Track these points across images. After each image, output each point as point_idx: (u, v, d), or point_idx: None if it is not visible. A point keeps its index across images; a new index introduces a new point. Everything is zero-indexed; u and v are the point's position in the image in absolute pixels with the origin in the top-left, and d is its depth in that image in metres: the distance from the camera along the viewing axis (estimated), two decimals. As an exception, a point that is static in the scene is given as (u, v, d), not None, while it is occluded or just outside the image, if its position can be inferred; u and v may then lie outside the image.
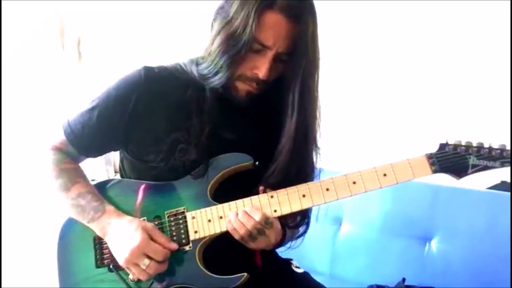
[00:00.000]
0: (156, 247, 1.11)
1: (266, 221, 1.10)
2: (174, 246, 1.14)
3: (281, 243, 1.23)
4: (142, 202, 1.21)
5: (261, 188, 1.17)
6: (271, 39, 1.09)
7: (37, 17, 2.42)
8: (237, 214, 1.12)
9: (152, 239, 1.12)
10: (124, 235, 1.13)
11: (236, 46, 1.10)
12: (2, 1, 2.24)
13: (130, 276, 1.16)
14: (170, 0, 2.57)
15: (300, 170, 1.19)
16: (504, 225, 1.72)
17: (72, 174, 1.24)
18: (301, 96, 1.14)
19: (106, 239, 1.18)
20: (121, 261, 1.13)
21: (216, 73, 1.14)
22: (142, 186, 1.23)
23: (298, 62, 1.12)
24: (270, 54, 1.11)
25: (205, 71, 1.17)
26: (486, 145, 1.07)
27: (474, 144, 1.08)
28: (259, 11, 1.07)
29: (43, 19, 2.45)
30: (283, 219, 1.18)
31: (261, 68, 1.12)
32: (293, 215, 1.18)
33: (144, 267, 1.10)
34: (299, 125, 1.15)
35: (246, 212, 1.11)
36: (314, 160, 1.24)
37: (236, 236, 1.12)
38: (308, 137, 1.19)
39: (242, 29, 1.08)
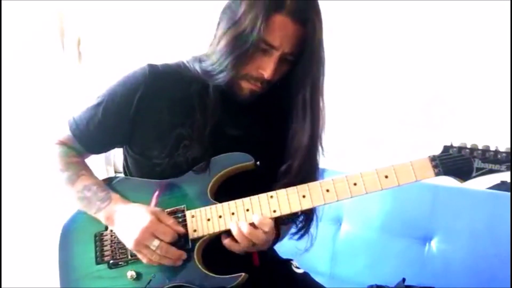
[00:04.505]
0: (165, 227, 1.12)
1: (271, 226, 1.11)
2: (181, 229, 1.14)
3: (275, 241, 1.24)
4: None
5: None
6: (278, 40, 1.11)
7: (37, 17, 2.42)
8: (239, 230, 1.10)
9: (160, 221, 1.13)
10: (133, 219, 1.13)
11: (243, 47, 1.11)
12: (2, 1, 2.24)
13: (128, 274, 1.17)
14: (170, 0, 2.57)
15: (312, 170, 1.21)
16: (504, 225, 1.72)
17: (77, 168, 1.26)
18: (312, 96, 1.16)
19: (113, 227, 1.18)
20: (130, 244, 1.13)
21: (220, 72, 1.15)
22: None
23: (308, 64, 1.14)
24: (276, 55, 1.13)
25: (209, 68, 1.18)
26: (492, 148, 1.05)
27: (480, 147, 1.06)
28: (268, 13, 1.08)
29: (43, 19, 2.45)
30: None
31: (267, 68, 1.13)
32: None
33: (154, 248, 1.10)
34: (314, 125, 1.18)
35: (251, 226, 1.10)
36: (318, 160, 1.25)
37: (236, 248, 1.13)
38: (318, 138, 1.21)
39: (250, 30, 1.09)
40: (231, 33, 1.13)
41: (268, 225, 1.10)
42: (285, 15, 1.09)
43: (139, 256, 1.15)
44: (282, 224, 1.24)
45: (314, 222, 1.27)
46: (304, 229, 1.27)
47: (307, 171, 1.19)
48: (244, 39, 1.10)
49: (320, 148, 1.24)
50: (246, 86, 1.18)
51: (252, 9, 1.10)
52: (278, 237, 1.24)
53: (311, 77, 1.15)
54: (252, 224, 1.11)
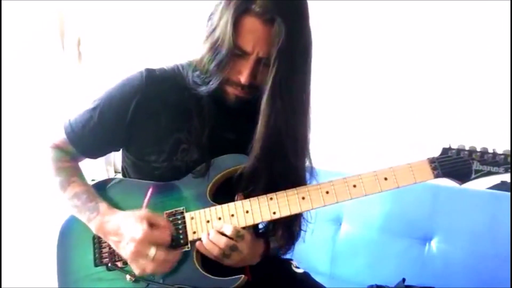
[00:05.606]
0: (160, 232, 1.12)
1: (237, 234, 1.10)
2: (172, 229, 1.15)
3: (265, 254, 1.24)
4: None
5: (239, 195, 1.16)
6: (250, 44, 1.09)
7: (37, 17, 2.41)
8: (208, 235, 1.12)
9: (152, 225, 1.12)
10: (126, 230, 1.12)
11: (220, 54, 1.10)
12: (2, 1, 2.24)
13: (128, 276, 1.16)
14: (170, 0, 2.57)
15: (281, 179, 1.16)
16: (504, 225, 1.72)
17: (68, 173, 1.25)
18: (272, 101, 1.11)
19: (107, 239, 1.18)
20: (127, 256, 1.12)
21: (207, 82, 1.15)
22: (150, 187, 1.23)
23: (272, 69, 1.08)
24: (251, 59, 1.10)
25: (197, 79, 1.18)
26: (490, 150, 1.06)
27: (478, 149, 1.06)
28: (236, 17, 1.06)
29: (43, 19, 2.45)
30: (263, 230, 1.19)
31: (243, 73, 1.12)
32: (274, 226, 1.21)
33: (152, 257, 1.10)
34: (268, 132, 1.12)
35: (217, 232, 1.11)
36: (308, 165, 1.22)
37: (211, 256, 1.13)
38: (284, 145, 1.14)
39: (223, 37, 1.08)
40: (209, 42, 1.12)
41: (228, 229, 1.10)
42: (253, 17, 1.06)
43: (133, 267, 1.14)
44: (272, 235, 1.24)
45: (296, 241, 1.29)
46: (287, 247, 1.28)
47: (264, 184, 1.15)
48: (219, 48, 1.09)
49: (307, 155, 1.20)
50: (231, 91, 1.17)
51: (223, 14, 1.08)
52: (267, 249, 1.24)
53: (271, 81, 1.08)
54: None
